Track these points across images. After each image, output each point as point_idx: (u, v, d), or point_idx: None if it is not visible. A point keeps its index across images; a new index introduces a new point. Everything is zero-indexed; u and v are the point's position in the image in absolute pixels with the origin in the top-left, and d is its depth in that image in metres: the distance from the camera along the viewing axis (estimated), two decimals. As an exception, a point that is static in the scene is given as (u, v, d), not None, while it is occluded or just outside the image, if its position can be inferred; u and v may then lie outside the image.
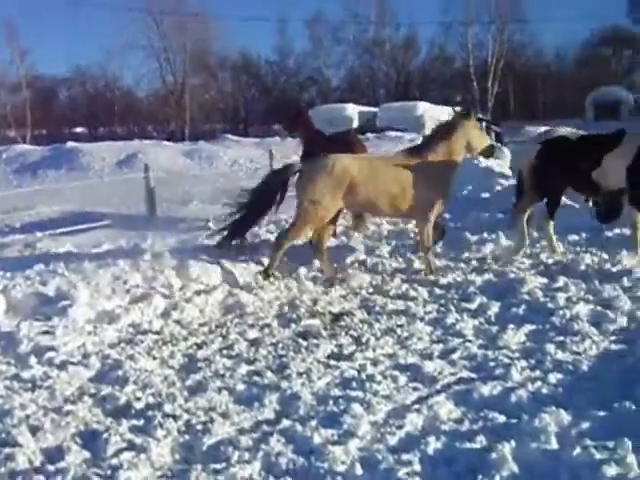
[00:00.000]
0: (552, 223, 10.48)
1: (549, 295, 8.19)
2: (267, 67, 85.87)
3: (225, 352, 7.03)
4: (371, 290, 9.14)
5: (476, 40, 74.07)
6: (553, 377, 5.82)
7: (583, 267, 9.44)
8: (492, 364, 6.23)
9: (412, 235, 12.33)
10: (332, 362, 6.55)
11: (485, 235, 11.71)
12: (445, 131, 9.98)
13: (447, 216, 14.00)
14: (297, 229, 9.68)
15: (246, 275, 9.69)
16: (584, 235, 11.39)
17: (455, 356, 6.52)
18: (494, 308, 7.90)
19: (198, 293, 8.89)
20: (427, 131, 47.15)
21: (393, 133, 41.01)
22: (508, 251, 10.54)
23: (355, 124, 52.49)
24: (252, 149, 35.46)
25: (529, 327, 7.18)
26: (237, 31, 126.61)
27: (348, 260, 10.64)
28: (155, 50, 74.46)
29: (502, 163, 18.79)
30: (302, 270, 10.05)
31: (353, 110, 55.38)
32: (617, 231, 11.23)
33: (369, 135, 40.25)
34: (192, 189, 20.81)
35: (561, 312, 7.48)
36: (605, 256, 9.96)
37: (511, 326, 7.21)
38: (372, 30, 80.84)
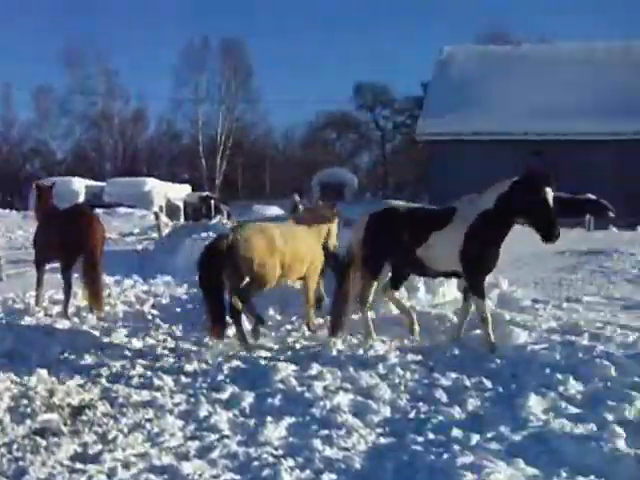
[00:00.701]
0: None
1: (305, 384, 7.87)
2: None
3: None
4: (111, 378, 8.46)
5: (206, 117, 74.87)
6: (326, 477, 5.47)
7: (335, 353, 9.22)
8: (256, 463, 5.78)
9: (149, 317, 11.84)
10: (77, 465, 5.83)
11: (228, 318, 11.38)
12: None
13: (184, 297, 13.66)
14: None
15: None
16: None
17: (214, 455, 6.00)
18: (248, 399, 7.46)
19: None
20: (155, 207, 47.16)
21: (123, 209, 39.98)
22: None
23: (81, 198, 51.04)
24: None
25: (289, 420, 6.78)
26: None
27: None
28: None
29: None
30: (34, 355, 9.22)
31: (80, 184, 53.94)
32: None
33: (97, 210, 38.97)
34: None
35: (321, 403, 7.15)
36: (355, 341, 9.87)
37: (269, 419, 6.78)
38: (101, 103, 79.56)
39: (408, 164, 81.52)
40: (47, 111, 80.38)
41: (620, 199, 30.44)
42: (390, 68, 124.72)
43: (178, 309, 12.78)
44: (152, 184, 52.27)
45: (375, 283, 9.97)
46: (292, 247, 9.94)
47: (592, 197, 29.87)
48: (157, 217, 19.82)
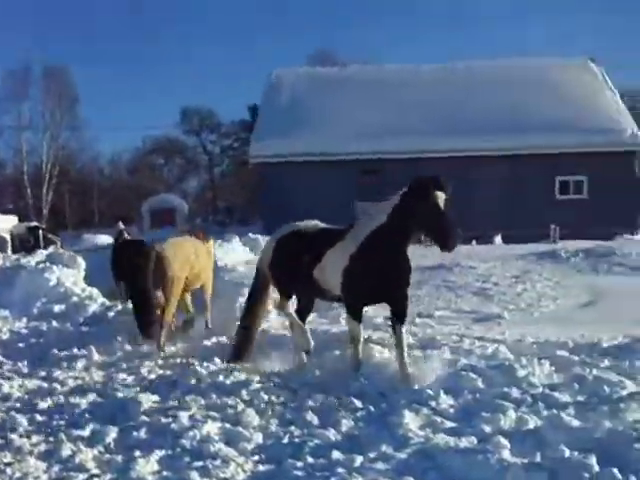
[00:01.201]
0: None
1: (169, 414, 7.60)
2: None
3: None
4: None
5: (30, 146, 72.14)
6: (209, 511, 5.28)
7: (194, 380, 8.99)
8: (133, 503, 5.52)
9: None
10: None
11: (75, 350, 11.01)
12: None
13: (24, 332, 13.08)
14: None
15: None
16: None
17: (85, 497, 5.71)
18: (111, 434, 7.12)
19: None
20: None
21: None
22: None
23: None
24: None
25: (159, 453, 6.49)
26: None
27: None
28: None
29: (77, 273, 18.08)
30: None
31: None
32: (214, 340, 11.09)
33: None
34: None
35: (190, 433, 6.88)
36: (214, 367, 9.64)
37: (138, 453, 6.50)
38: None
39: (237, 188, 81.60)
40: None
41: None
42: (215, 92, 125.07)
43: (20, 344, 12.20)
44: (-21, 215, 50.06)
45: (289, 303, 9.73)
46: (200, 259, 12.23)
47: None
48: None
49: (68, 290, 16.42)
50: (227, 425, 7.16)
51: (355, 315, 8.76)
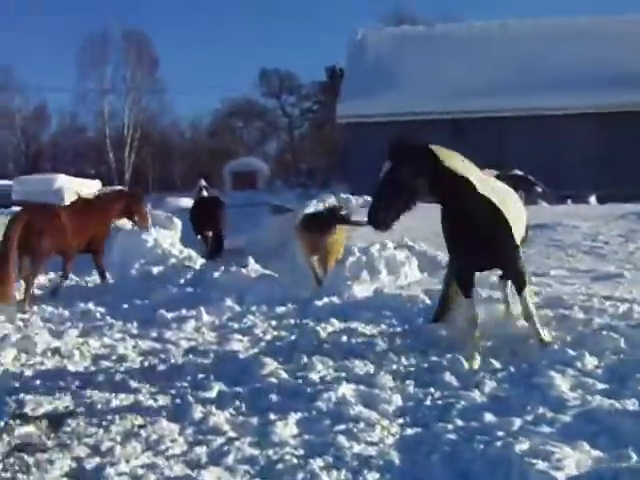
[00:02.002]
0: None
1: (298, 376, 7.33)
2: None
3: None
4: (78, 383, 7.76)
5: (111, 109, 72.91)
6: (370, 477, 4.97)
7: (315, 342, 8.69)
8: (281, 466, 5.18)
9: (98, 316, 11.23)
10: (77, 484, 5.23)
11: (184, 311, 10.86)
12: None
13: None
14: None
15: None
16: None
17: (229, 460, 5.39)
18: (240, 396, 6.88)
19: None
20: (67, 203, 45.62)
21: None
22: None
23: (-14, 197, 49.20)
24: None
25: (295, 416, 6.18)
26: None
27: None
28: None
29: (173, 234, 18.02)
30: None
31: (-16, 184, 51.92)
32: (326, 300, 10.80)
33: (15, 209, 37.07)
34: None
35: (325, 395, 6.55)
36: (331, 327, 9.34)
37: (272, 416, 6.20)
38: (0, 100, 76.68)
39: (317, 150, 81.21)
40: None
41: (541, 174, 30.53)
42: (293, 54, 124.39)
43: (125, 305, 12.07)
44: (62, 181, 50.52)
45: None
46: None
47: (519, 173, 29.89)
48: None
49: (166, 251, 16.35)
50: (361, 387, 6.83)
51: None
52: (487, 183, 7.38)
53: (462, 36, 38.86)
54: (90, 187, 53.34)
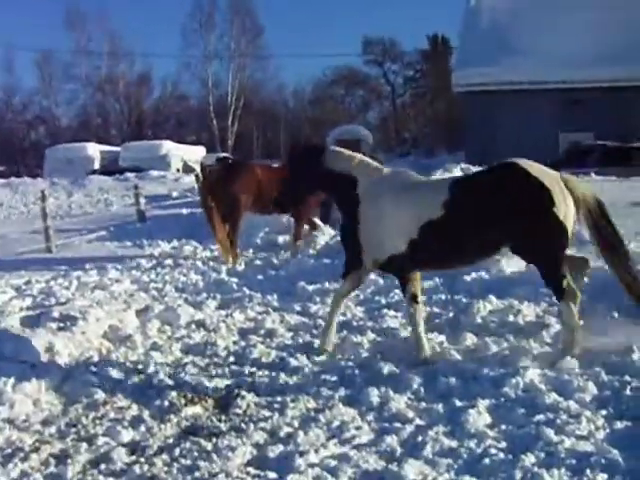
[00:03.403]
0: None
1: (471, 357, 6.84)
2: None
3: (103, 468, 5.11)
4: (235, 359, 7.45)
5: (215, 77, 73.29)
6: (600, 477, 4.47)
7: (479, 319, 8.17)
8: (487, 461, 4.72)
9: (234, 287, 10.87)
10: (269, 474, 4.83)
11: (327, 284, 10.43)
12: None
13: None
14: None
15: (72, 347, 7.69)
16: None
17: (427, 452, 4.96)
18: (416, 379, 6.40)
19: (25, 377, 6.74)
20: (173, 169, 46.06)
21: (155, 172, 38.11)
22: None
23: (97, 164, 50.04)
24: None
25: (483, 402, 5.69)
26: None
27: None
28: None
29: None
30: (138, 337, 8.24)
31: (94, 149, 52.86)
32: (474, 275, 10.21)
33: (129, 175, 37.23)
34: None
35: (512, 380, 6.04)
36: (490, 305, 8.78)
37: (459, 403, 5.74)
38: (105, 67, 77.66)
39: (420, 119, 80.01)
40: (51, 77, 78.31)
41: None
42: (395, 20, 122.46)
43: (259, 276, 11.74)
44: (168, 147, 51.23)
45: None
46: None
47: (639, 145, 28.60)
48: (197, 179, 18.54)
49: (290, 220, 15.96)
50: (547, 372, 6.28)
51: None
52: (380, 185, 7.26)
53: (582, 1, 36.80)
54: (195, 153, 53.88)
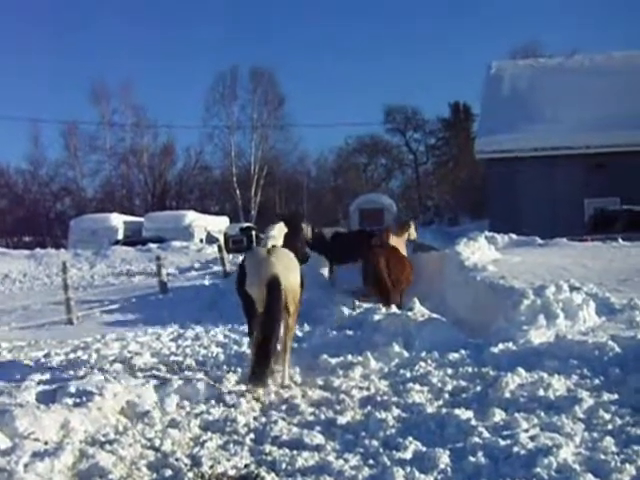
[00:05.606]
0: None
1: (502, 435, 6.53)
2: (18, 176, 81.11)
3: None
4: (255, 436, 7.20)
5: (237, 147, 74.06)
6: None
7: (508, 394, 7.88)
8: None
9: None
10: None
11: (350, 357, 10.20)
12: None
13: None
14: None
15: (88, 424, 7.47)
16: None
17: None
18: (443, 458, 6.12)
19: (38, 456, 6.51)
20: (196, 240, 46.10)
21: (178, 243, 37.86)
22: None
23: (120, 234, 50.26)
24: (24, 262, 32.47)
25: None
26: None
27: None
28: None
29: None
30: (156, 412, 8.00)
31: (118, 220, 53.16)
32: (501, 346, 9.91)
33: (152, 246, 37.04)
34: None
35: (544, 460, 5.70)
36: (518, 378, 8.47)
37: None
38: (129, 138, 78.71)
39: (444, 186, 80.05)
40: (76, 148, 79.22)
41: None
42: (416, 89, 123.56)
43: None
44: (192, 217, 51.53)
45: None
46: None
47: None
48: (220, 250, 18.64)
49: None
50: (582, 450, 5.98)
51: None
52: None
53: (601, 67, 37.07)
54: (219, 224, 54.08)
